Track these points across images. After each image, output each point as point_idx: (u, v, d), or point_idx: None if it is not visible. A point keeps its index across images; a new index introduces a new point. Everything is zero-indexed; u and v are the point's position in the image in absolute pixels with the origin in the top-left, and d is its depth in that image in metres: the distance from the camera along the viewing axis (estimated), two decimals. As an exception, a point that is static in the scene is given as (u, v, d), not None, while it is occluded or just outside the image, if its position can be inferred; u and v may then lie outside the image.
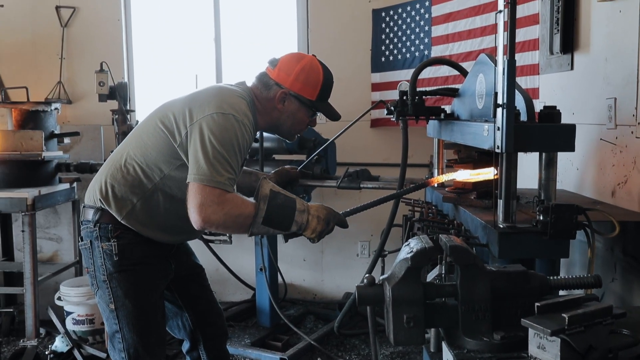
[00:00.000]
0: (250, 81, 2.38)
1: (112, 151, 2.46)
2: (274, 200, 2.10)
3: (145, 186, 2.20)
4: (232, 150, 2.08)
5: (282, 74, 2.30)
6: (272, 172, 2.85)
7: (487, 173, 2.25)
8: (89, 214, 2.25)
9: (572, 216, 1.73)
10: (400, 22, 4.60)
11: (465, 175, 2.35)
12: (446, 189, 2.49)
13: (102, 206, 2.21)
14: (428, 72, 4.26)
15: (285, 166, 2.90)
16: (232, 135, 2.08)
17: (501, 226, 1.80)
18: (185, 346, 2.58)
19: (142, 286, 2.24)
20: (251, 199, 2.13)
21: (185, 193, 2.09)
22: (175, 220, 2.25)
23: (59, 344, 3.98)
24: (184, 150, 2.13)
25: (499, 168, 1.80)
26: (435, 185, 2.60)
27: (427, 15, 4.40)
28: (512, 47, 1.70)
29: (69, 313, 4.11)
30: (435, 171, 2.69)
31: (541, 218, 1.76)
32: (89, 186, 2.32)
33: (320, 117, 2.47)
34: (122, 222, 2.20)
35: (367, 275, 1.44)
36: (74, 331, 4.08)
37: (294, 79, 2.29)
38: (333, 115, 2.42)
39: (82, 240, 2.29)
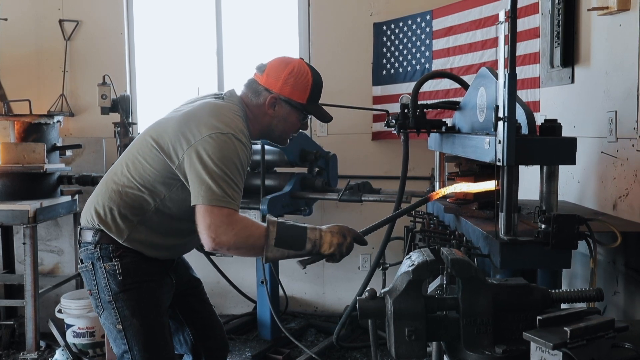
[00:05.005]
0: (239, 89, 2.35)
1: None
2: (282, 224, 2.09)
3: (145, 208, 2.17)
4: (235, 169, 2.05)
5: (271, 79, 2.27)
6: None
7: (489, 185, 2.24)
8: (88, 236, 2.21)
9: (574, 226, 1.73)
10: (401, 35, 4.63)
11: (468, 187, 2.32)
12: (447, 200, 2.48)
13: (101, 228, 2.17)
14: (429, 85, 4.29)
15: None
16: (232, 154, 2.06)
17: (502, 237, 1.80)
18: (187, 361, 2.57)
19: (149, 304, 2.21)
20: (262, 223, 2.11)
21: (186, 212, 2.08)
22: (176, 239, 2.25)
23: (60, 357, 3.97)
24: (182, 172, 2.09)
25: (500, 181, 1.81)
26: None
27: (428, 29, 4.42)
28: (512, 61, 1.70)
29: (69, 326, 4.10)
30: (437, 184, 2.69)
31: (543, 228, 1.76)
32: (85, 207, 2.28)
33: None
34: (123, 244, 2.17)
35: (368, 288, 1.43)
36: (74, 344, 4.07)
37: (282, 83, 2.26)
38: (324, 117, 2.39)
39: (82, 262, 2.25)
